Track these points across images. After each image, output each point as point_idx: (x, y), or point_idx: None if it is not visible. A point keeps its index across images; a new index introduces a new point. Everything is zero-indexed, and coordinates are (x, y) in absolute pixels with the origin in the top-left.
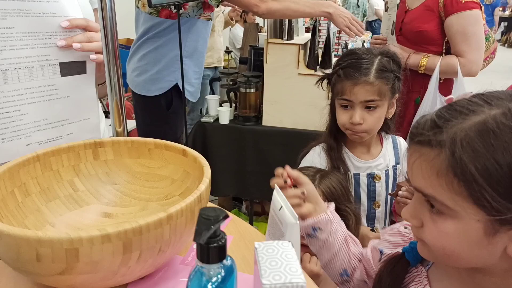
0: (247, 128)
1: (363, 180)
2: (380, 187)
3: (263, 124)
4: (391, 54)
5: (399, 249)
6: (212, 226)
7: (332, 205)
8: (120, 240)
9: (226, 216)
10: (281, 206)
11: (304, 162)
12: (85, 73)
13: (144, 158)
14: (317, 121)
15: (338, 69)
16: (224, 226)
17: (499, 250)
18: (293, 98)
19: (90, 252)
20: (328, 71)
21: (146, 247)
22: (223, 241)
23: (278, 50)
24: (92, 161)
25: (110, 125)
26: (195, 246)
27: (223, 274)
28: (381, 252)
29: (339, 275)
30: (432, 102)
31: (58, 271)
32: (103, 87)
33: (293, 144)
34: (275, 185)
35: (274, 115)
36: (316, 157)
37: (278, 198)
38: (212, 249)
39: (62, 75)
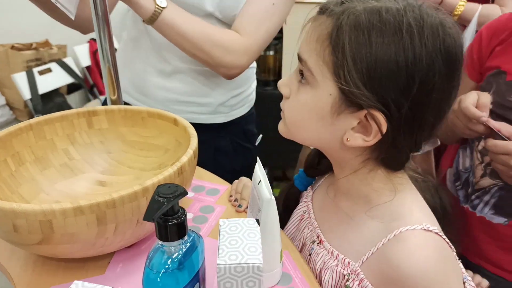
0: (267, 93)
1: None
2: None
3: None
4: None
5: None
6: (165, 205)
7: None
8: (93, 213)
9: (184, 193)
10: (260, 181)
11: None
12: None
13: (138, 127)
14: None
15: None
16: (217, 197)
17: (339, 134)
18: None
19: (64, 224)
20: None
21: (122, 220)
22: (182, 218)
23: (299, 10)
24: (86, 130)
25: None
26: None
27: (184, 249)
28: None
29: None
30: None
31: (36, 241)
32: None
33: None
34: (257, 158)
35: None
36: None
37: (259, 172)
38: (170, 227)
39: None
